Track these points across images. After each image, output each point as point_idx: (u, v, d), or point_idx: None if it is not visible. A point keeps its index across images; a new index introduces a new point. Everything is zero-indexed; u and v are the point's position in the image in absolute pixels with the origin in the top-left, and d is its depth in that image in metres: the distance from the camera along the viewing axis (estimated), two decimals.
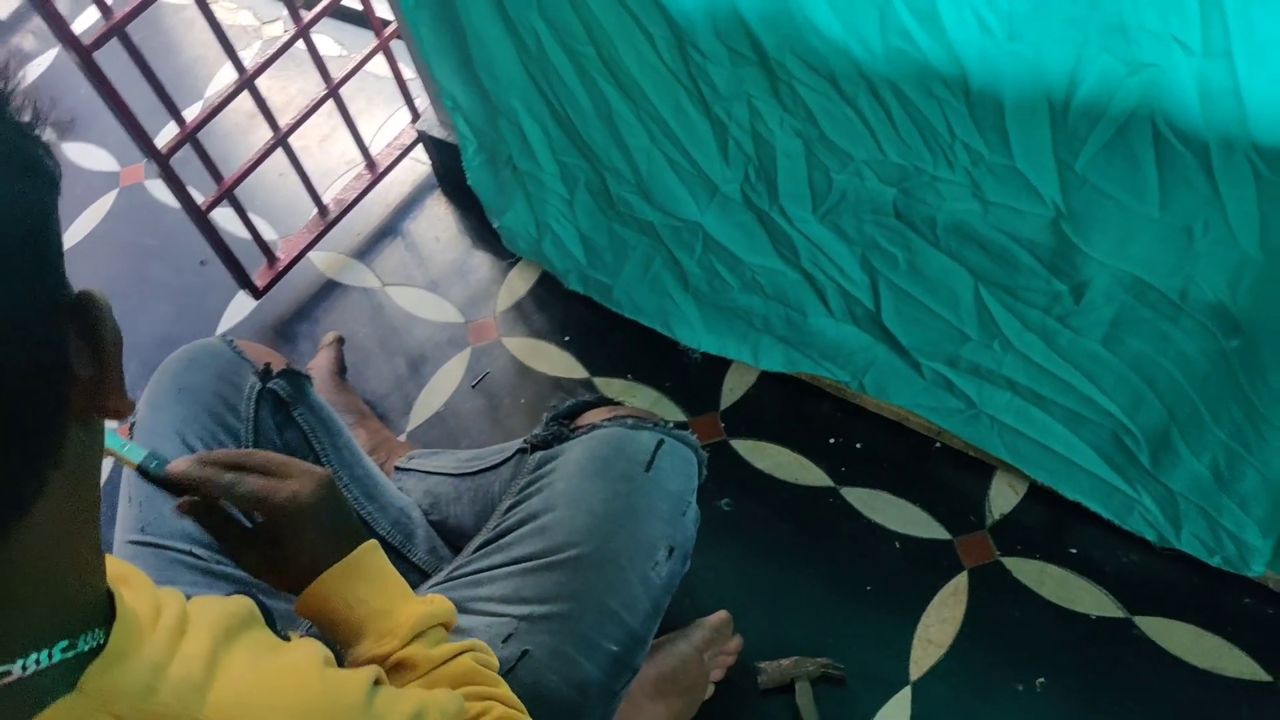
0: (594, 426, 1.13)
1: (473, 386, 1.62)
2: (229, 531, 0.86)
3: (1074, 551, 1.35)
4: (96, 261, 1.86)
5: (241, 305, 1.77)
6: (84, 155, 2.05)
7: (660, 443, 1.10)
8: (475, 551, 1.12)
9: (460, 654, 0.82)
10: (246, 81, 1.53)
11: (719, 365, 1.56)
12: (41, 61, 2.24)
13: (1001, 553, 1.37)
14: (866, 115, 1.02)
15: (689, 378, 1.56)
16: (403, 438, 1.58)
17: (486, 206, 1.62)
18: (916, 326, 1.29)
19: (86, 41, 1.31)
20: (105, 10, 1.34)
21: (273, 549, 0.83)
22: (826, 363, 1.40)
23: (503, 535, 1.10)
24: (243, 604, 0.65)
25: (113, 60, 1.34)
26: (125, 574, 0.62)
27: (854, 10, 0.91)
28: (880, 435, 1.46)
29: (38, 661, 0.46)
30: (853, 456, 1.46)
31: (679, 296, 1.46)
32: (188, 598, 0.62)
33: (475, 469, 1.24)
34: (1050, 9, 0.83)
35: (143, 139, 1.42)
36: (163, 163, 1.47)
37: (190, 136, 1.50)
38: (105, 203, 1.96)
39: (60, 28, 1.27)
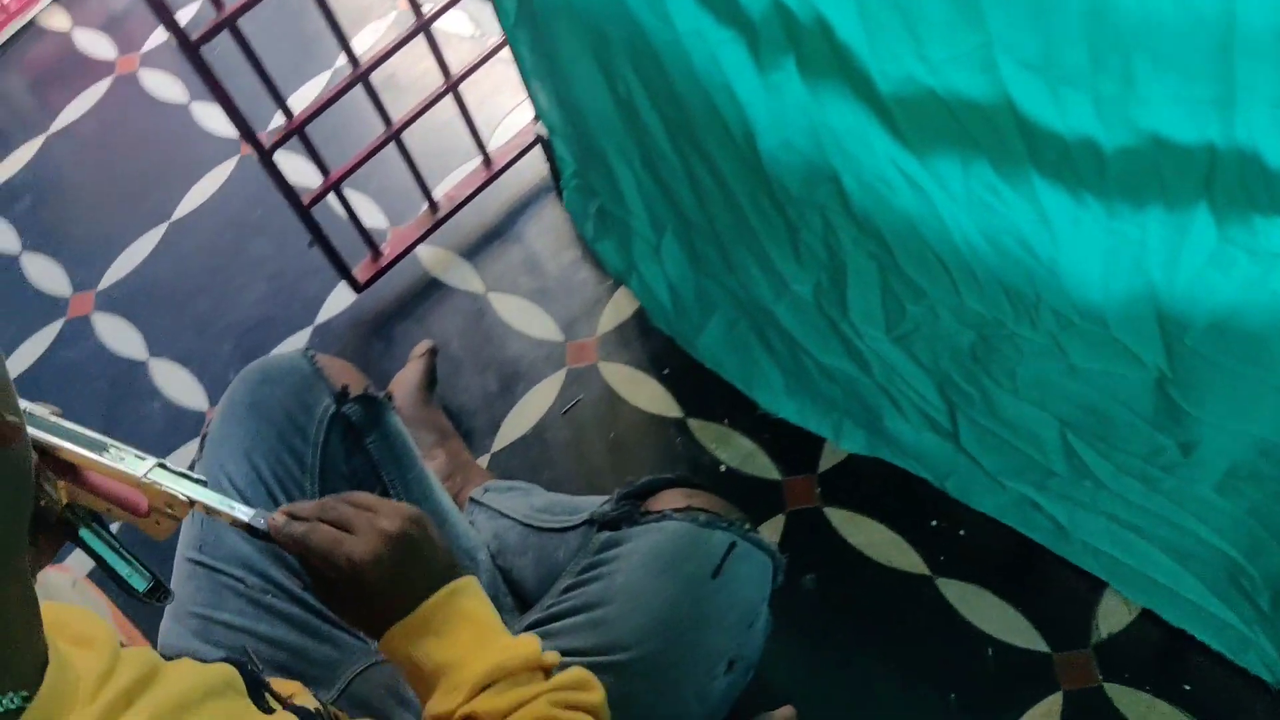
0: (665, 515, 1.05)
1: (563, 414, 1.55)
2: (312, 573, 0.84)
3: (1188, 689, 1.22)
4: (202, 233, 1.85)
5: (342, 295, 1.73)
6: (209, 118, 2.03)
7: (733, 545, 1.01)
8: (525, 630, 1.05)
9: (536, 697, 0.78)
10: (360, 76, 1.47)
11: None
12: (186, 12, 2.23)
13: (1105, 677, 1.24)
14: (945, 259, 0.90)
15: (789, 432, 1.46)
16: (484, 460, 1.52)
17: (581, 231, 1.54)
18: (997, 454, 1.18)
19: (194, 35, 1.26)
20: (216, 3, 1.29)
21: (346, 597, 0.82)
22: (908, 459, 1.29)
23: (555, 619, 1.04)
24: (220, 673, 0.63)
25: (225, 41, 1.30)
26: (92, 635, 0.59)
27: (934, 152, 0.79)
28: (987, 525, 1.34)
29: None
30: (954, 545, 1.35)
31: (763, 360, 1.36)
32: (172, 657, 0.60)
33: (545, 525, 1.18)
34: (1144, 260, 0.72)
35: (246, 132, 1.38)
36: (266, 157, 1.42)
37: (297, 130, 1.45)
38: (224, 170, 1.94)
39: (166, 19, 1.22)
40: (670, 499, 1.08)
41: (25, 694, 0.49)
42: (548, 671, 0.81)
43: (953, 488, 1.28)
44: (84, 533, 0.76)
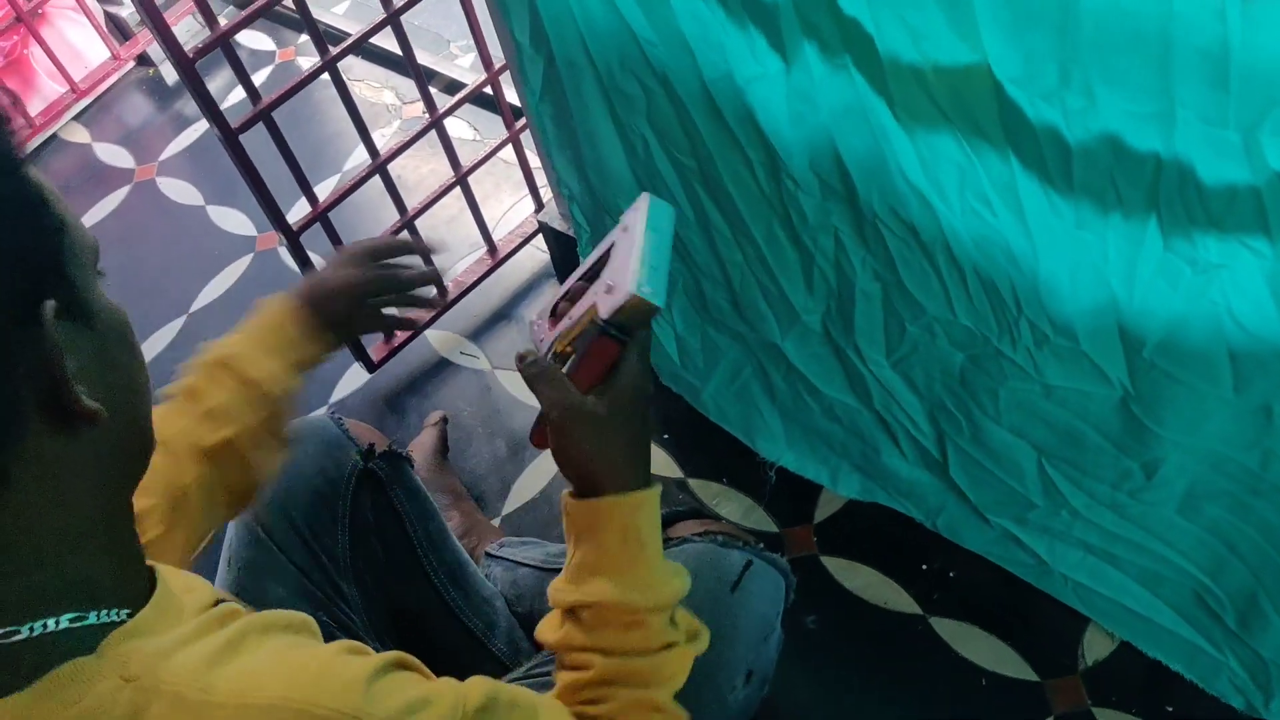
0: (684, 540, 1.13)
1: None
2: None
3: (1170, 710, 1.29)
4: (220, 323, 1.94)
5: (356, 375, 1.82)
6: (225, 219, 2.15)
7: (749, 564, 1.08)
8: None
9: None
10: (378, 166, 1.59)
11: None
12: (197, 128, 2.37)
13: (1093, 702, 1.31)
14: (942, 270, 1.02)
15: (784, 487, 1.55)
16: (497, 521, 1.60)
17: None
18: (982, 487, 1.27)
19: (235, 122, 1.38)
20: (253, 95, 1.41)
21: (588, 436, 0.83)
22: (901, 498, 1.38)
23: None
24: (299, 616, 0.69)
25: (255, 133, 1.41)
26: (193, 585, 0.68)
27: (938, 166, 0.91)
28: (974, 566, 1.42)
29: (45, 626, 0.53)
30: (945, 585, 1.43)
31: (765, 408, 1.45)
32: None
33: (561, 565, 1.25)
34: (1106, 260, 0.83)
35: (276, 215, 1.49)
36: (293, 239, 1.53)
37: (320, 216, 1.56)
38: (240, 265, 2.06)
39: (210, 108, 1.34)
40: (688, 527, 1.17)
41: (129, 610, 0.57)
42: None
43: (943, 525, 1.36)
44: None
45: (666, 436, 1.65)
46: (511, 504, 1.62)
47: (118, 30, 2.53)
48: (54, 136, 2.45)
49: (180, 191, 2.25)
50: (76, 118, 2.48)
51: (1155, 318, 0.90)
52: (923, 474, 1.33)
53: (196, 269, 2.07)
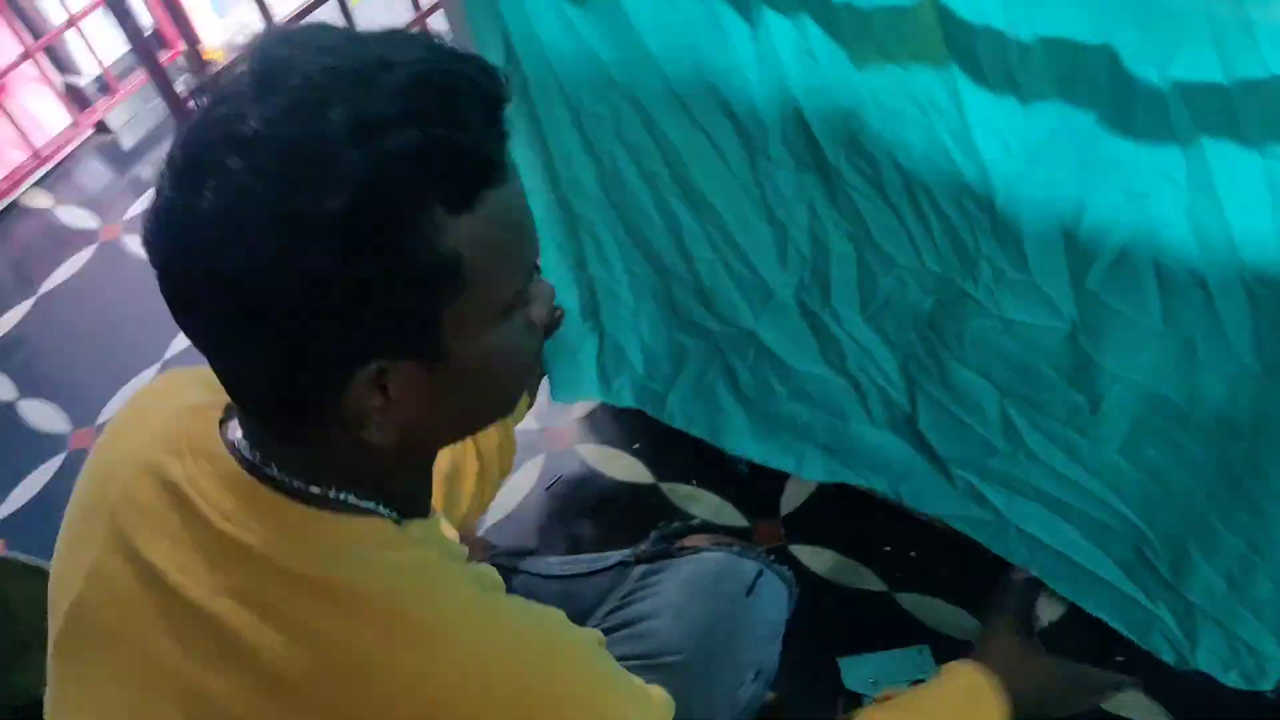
0: (699, 549, 1.23)
1: (546, 489, 1.72)
2: None
3: (1121, 660, 1.40)
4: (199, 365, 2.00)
5: None
6: None
7: (760, 572, 1.20)
8: None
9: None
10: None
11: (779, 476, 1.65)
12: (136, 206, 2.43)
13: None
14: (908, 222, 1.14)
15: (751, 486, 1.65)
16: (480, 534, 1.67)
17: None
18: (949, 436, 1.38)
19: None
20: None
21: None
22: (865, 471, 1.49)
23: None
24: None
25: None
26: (453, 535, 0.94)
27: (899, 119, 1.03)
28: (932, 545, 1.53)
29: (346, 496, 0.73)
30: (906, 564, 1.54)
31: (729, 406, 1.56)
32: None
33: (566, 573, 1.32)
34: (1061, 140, 0.95)
35: None
36: None
37: None
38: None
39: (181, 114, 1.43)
40: (701, 539, 1.27)
41: (401, 517, 0.75)
42: None
43: (906, 493, 1.46)
44: None
45: (636, 446, 1.74)
46: (489, 519, 1.70)
47: (76, 99, 2.60)
48: (14, 204, 2.50)
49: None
50: (38, 183, 2.54)
51: (1098, 246, 1.02)
52: (890, 437, 1.44)
53: (166, 318, 2.12)
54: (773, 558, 1.24)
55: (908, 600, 1.50)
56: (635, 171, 1.33)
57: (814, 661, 1.45)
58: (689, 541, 1.27)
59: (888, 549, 1.55)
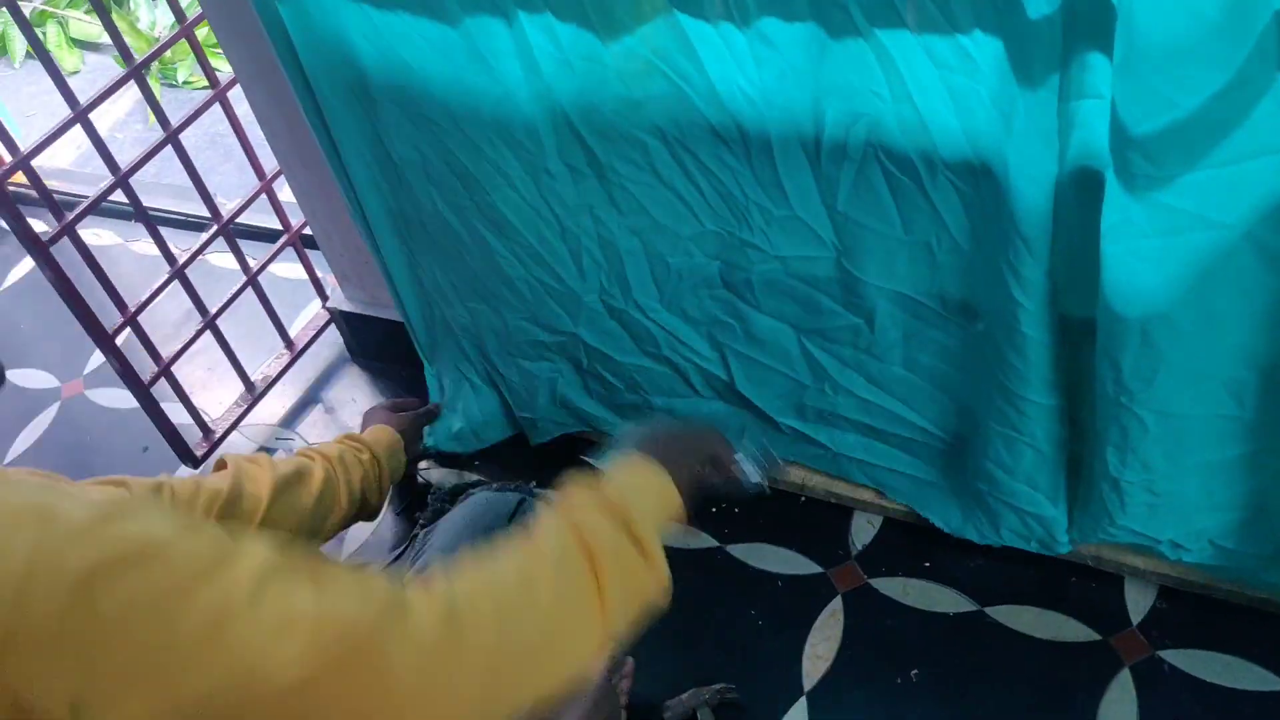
0: (469, 495, 1.37)
1: (396, 514, 1.83)
2: None
3: (928, 565, 1.58)
4: (39, 464, 2.03)
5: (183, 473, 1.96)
6: (27, 379, 2.25)
7: (521, 501, 1.33)
8: None
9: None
10: (177, 272, 1.78)
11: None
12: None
13: (869, 576, 1.58)
14: (682, 191, 1.30)
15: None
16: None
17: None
18: (766, 388, 1.54)
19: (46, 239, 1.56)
20: (58, 213, 1.59)
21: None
22: None
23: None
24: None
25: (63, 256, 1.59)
26: None
27: (647, 84, 1.18)
28: (753, 499, 1.68)
29: None
30: (734, 521, 1.69)
31: (587, 404, 1.70)
32: None
33: (387, 564, 1.43)
34: (790, 75, 1.11)
35: (93, 324, 1.66)
36: (109, 344, 1.69)
37: (132, 320, 1.73)
38: (47, 416, 2.16)
39: (22, 226, 1.52)
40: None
41: None
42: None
43: None
44: None
45: (477, 464, 1.86)
46: (347, 549, 1.78)
47: None
48: None
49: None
50: None
51: (839, 161, 1.17)
52: (719, 404, 1.59)
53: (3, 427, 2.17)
54: (534, 485, 1.37)
55: (738, 549, 1.65)
56: (449, 209, 1.43)
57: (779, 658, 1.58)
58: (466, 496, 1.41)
59: (714, 510, 1.70)
